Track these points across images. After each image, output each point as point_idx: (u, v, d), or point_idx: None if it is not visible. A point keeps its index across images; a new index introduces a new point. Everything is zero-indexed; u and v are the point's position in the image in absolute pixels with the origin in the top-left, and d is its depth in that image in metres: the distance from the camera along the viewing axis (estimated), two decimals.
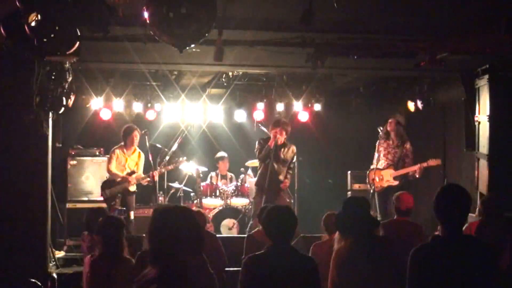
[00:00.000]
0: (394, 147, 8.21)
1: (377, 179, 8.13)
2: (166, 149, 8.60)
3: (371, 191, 8.21)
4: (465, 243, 3.19)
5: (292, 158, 8.08)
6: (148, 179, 8.08)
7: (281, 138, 7.88)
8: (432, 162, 7.92)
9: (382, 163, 8.22)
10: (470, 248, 3.16)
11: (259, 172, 8.15)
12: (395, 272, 3.71)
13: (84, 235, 5.57)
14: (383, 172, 8.14)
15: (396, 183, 8.01)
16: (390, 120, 8.30)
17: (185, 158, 8.67)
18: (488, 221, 5.38)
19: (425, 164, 7.90)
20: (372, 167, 8.28)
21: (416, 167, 7.92)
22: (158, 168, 8.28)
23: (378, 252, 3.84)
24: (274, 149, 7.85)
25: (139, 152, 8.20)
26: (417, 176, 8.02)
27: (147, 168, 8.28)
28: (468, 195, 3.26)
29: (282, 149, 7.97)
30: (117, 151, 8.10)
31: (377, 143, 8.35)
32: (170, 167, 8.43)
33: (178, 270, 2.72)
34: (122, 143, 8.14)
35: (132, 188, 8.03)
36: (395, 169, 8.07)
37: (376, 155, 8.28)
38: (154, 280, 2.71)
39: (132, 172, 8.03)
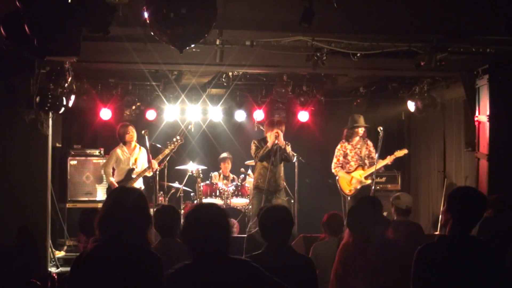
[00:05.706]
0: (359, 146, 8.17)
1: (348, 183, 8.05)
2: (166, 149, 8.55)
3: (347, 197, 8.08)
4: (472, 244, 3.18)
5: (289, 153, 8.05)
6: (148, 169, 7.80)
7: (281, 139, 7.88)
8: (399, 153, 7.93)
9: (351, 166, 8.12)
10: (477, 249, 3.15)
11: (257, 173, 8.14)
12: (397, 273, 3.72)
13: (80, 235, 5.56)
14: (352, 174, 8.05)
15: (368, 182, 7.95)
16: (364, 128, 8.18)
17: (178, 138, 8.18)
18: (489, 221, 5.38)
19: (393, 157, 7.90)
20: (340, 174, 8.17)
21: (386, 161, 7.86)
22: (155, 159, 7.91)
23: (382, 252, 3.87)
24: (273, 149, 7.87)
25: (139, 147, 8.09)
26: (382, 168, 8.11)
27: None
28: (484, 199, 3.27)
29: (280, 149, 7.97)
30: (118, 152, 7.99)
31: (339, 146, 8.23)
32: (167, 151, 8.04)
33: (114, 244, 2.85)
34: (121, 143, 8.06)
35: (137, 185, 7.86)
36: (364, 168, 8.00)
37: (337, 159, 8.16)
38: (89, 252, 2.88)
39: (131, 170, 7.92)
